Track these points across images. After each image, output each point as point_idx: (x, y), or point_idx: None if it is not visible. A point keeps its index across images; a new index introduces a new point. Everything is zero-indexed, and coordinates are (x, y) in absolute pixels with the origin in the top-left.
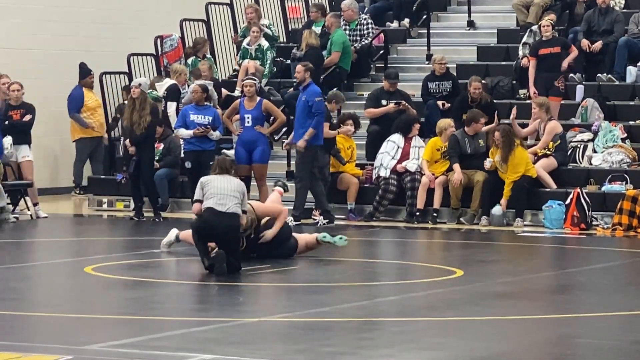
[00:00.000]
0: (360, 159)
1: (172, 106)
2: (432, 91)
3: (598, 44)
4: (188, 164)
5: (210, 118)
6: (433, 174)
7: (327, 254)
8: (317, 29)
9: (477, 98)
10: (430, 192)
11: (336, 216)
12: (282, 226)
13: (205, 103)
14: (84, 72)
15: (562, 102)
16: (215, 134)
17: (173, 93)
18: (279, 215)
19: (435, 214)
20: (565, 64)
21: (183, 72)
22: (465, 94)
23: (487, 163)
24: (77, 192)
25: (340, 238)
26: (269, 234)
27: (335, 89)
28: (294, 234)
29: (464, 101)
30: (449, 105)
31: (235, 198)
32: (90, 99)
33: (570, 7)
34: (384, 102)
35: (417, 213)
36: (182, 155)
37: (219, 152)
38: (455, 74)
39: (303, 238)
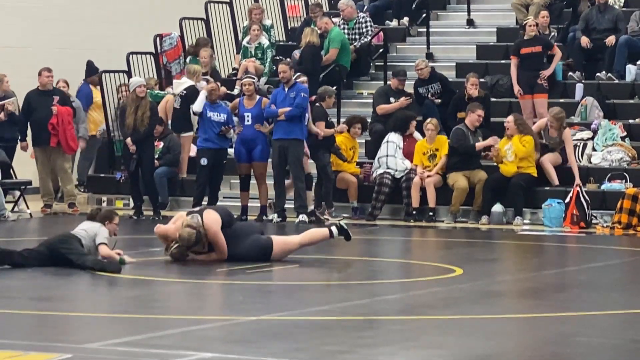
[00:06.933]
0: (360, 157)
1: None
2: (423, 95)
3: (611, 38)
4: (204, 161)
5: (225, 115)
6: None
7: (327, 253)
8: (315, 28)
9: (473, 95)
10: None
11: (336, 214)
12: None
13: (218, 101)
14: (92, 70)
15: (562, 100)
16: (231, 132)
17: (193, 94)
18: (219, 256)
19: (431, 213)
20: (551, 69)
21: (198, 72)
22: (461, 92)
23: (493, 141)
24: (82, 190)
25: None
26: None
27: (334, 88)
28: (274, 237)
29: (460, 99)
30: (439, 100)
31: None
32: (98, 96)
33: (574, 5)
34: (391, 99)
35: (414, 212)
36: (195, 153)
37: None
38: (454, 73)
39: (292, 239)
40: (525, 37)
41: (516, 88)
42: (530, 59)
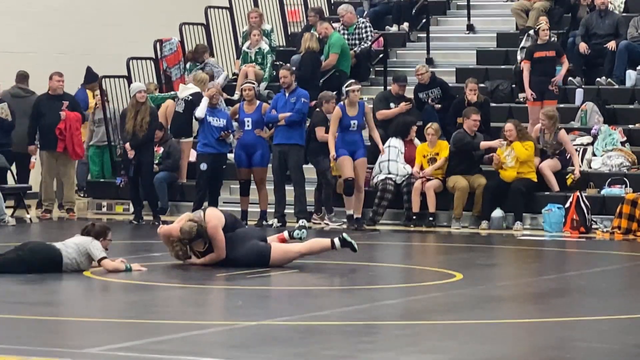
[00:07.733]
0: None
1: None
2: (423, 100)
3: (612, 44)
4: (204, 166)
5: (225, 121)
6: (422, 170)
7: (327, 258)
8: (315, 33)
9: (472, 101)
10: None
11: (336, 219)
12: (244, 228)
13: (218, 106)
14: (91, 76)
15: (562, 105)
16: (231, 137)
17: (199, 100)
18: (217, 253)
19: (431, 218)
20: (561, 76)
21: (206, 80)
22: (461, 97)
23: (499, 143)
24: (82, 195)
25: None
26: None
27: (334, 93)
28: (273, 244)
29: (460, 104)
30: (439, 105)
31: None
32: (94, 101)
33: (573, 10)
34: (392, 105)
35: (414, 217)
36: (195, 158)
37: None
38: (454, 78)
39: (292, 248)
40: (538, 42)
41: (528, 92)
42: (543, 63)
